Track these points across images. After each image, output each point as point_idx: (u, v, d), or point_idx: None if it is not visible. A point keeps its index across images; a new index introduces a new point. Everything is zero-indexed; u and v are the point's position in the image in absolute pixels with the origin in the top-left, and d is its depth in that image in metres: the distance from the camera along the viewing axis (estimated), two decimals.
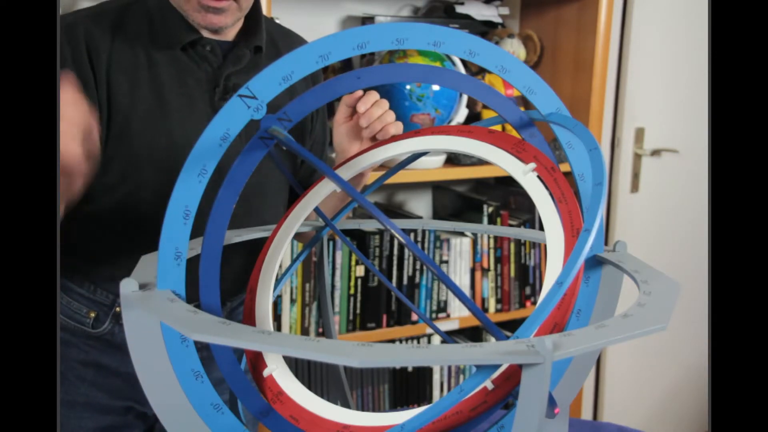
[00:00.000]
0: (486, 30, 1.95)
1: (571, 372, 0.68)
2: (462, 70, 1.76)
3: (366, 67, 0.77)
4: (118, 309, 1.10)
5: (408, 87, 1.65)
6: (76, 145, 0.69)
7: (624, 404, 2.47)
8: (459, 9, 1.88)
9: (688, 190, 2.39)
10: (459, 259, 1.92)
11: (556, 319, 0.60)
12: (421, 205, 2.13)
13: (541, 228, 0.68)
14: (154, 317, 0.62)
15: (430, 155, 1.62)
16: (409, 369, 1.97)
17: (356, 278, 1.80)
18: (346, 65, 1.80)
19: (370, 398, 1.94)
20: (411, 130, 0.81)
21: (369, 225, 1.01)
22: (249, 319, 0.72)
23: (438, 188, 2.12)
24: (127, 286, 0.62)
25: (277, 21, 1.25)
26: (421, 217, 2.03)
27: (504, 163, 0.72)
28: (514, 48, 1.95)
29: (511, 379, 0.57)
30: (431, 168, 1.79)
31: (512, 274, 1.98)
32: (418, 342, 1.93)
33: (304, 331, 1.79)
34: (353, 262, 1.79)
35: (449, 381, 2.02)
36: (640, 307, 0.55)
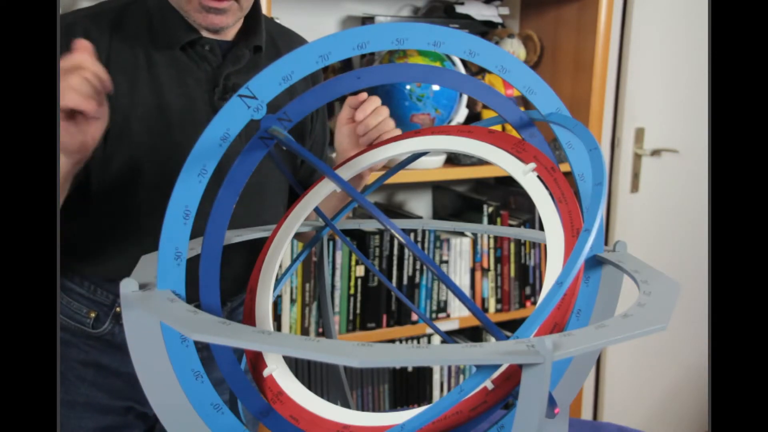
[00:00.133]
0: (486, 30, 1.95)
1: (571, 372, 0.68)
2: (462, 70, 1.76)
3: (366, 67, 0.77)
4: (118, 309, 1.10)
5: (408, 87, 1.65)
6: (88, 87, 0.76)
7: (624, 404, 2.47)
8: (459, 9, 1.88)
9: (688, 190, 2.39)
10: (459, 259, 1.92)
11: (556, 319, 0.60)
12: (421, 205, 2.13)
13: (541, 228, 0.68)
14: (154, 317, 0.62)
15: (430, 155, 1.62)
16: (409, 369, 1.97)
17: (356, 278, 1.80)
18: (346, 65, 1.80)
19: (370, 398, 1.94)
20: (411, 130, 0.81)
21: (369, 225, 1.01)
22: (249, 319, 0.72)
23: (438, 188, 2.12)
24: (127, 286, 0.62)
25: (277, 21, 1.25)
26: (421, 217, 2.03)
27: (504, 163, 0.72)
28: (514, 48, 1.95)
29: (511, 379, 0.57)
30: (431, 168, 1.79)
31: (512, 274, 1.98)
32: (418, 342, 1.93)
33: (304, 331, 1.79)
34: (353, 262, 1.79)
35: (449, 381, 2.02)
36: (640, 307, 0.55)
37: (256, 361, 0.68)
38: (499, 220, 1.95)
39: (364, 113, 1.02)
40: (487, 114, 1.86)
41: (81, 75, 0.76)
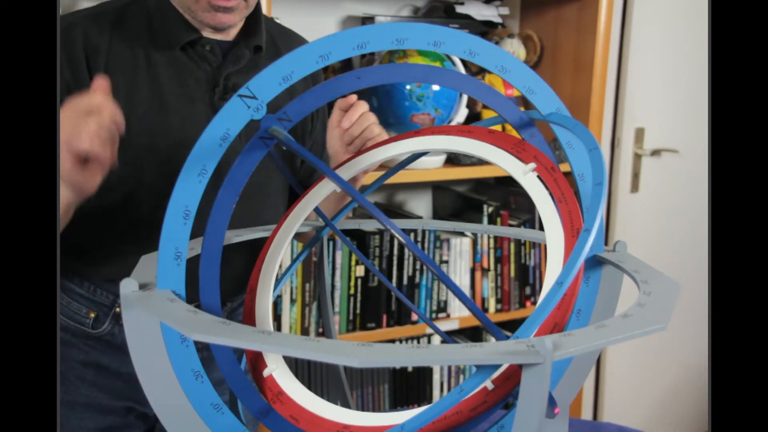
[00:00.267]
0: (486, 30, 1.95)
1: (571, 372, 0.68)
2: (462, 70, 1.76)
3: (366, 67, 0.77)
4: (118, 309, 1.10)
5: (408, 87, 1.65)
6: (106, 133, 0.76)
7: (624, 404, 2.47)
8: (459, 9, 1.88)
9: (688, 190, 2.39)
10: (459, 259, 1.92)
11: (556, 319, 0.60)
12: (421, 205, 2.13)
13: (541, 228, 0.68)
14: (154, 317, 0.62)
15: (430, 155, 1.62)
16: (409, 369, 1.97)
17: (356, 278, 1.80)
18: (346, 65, 1.80)
19: (370, 398, 1.94)
20: (411, 130, 0.81)
21: (369, 225, 1.01)
22: (249, 319, 0.72)
23: (438, 188, 2.12)
24: (127, 286, 0.62)
25: (277, 21, 1.25)
26: (421, 217, 2.03)
27: (504, 163, 0.72)
28: (514, 48, 1.95)
29: (511, 379, 0.57)
30: (431, 168, 1.79)
31: (512, 274, 1.98)
32: (418, 342, 1.93)
33: (304, 331, 1.79)
34: (353, 262, 1.79)
35: (449, 381, 2.02)
36: (640, 307, 0.55)
37: (256, 361, 0.68)
38: (499, 220, 1.95)
39: (350, 121, 1.02)
40: (487, 114, 1.86)
41: (98, 120, 0.76)
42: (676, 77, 2.29)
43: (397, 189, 2.09)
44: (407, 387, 1.98)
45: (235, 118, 0.67)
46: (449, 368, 2.01)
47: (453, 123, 1.73)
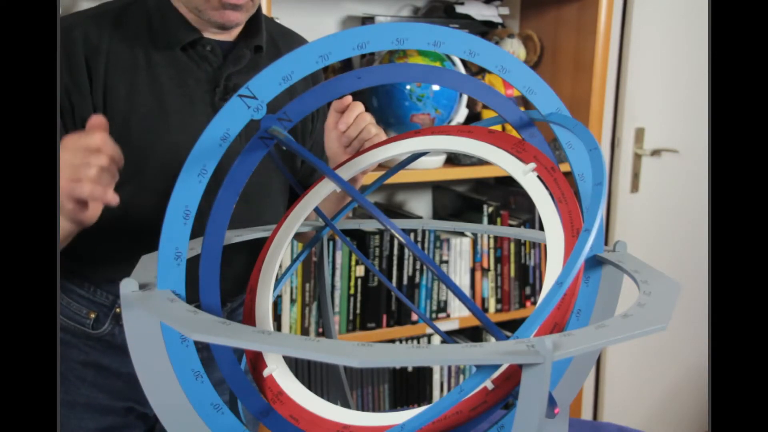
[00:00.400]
0: (486, 30, 1.95)
1: (571, 372, 0.68)
2: (462, 70, 1.76)
3: (366, 67, 0.77)
4: (117, 310, 1.10)
5: (408, 87, 1.65)
6: (107, 176, 0.77)
7: (624, 404, 2.47)
8: (459, 9, 1.88)
9: (688, 190, 2.39)
10: (459, 259, 1.92)
11: (556, 319, 0.60)
12: (421, 205, 2.13)
13: (541, 228, 0.68)
14: (154, 317, 0.62)
15: (430, 155, 1.62)
16: (409, 369, 1.97)
17: (356, 278, 1.80)
18: (346, 65, 1.80)
19: (370, 398, 1.95)
20: (411, 130, 0.81)
21: (369, 225, 1.01)
22: (249, 319, 0.72)
23: (438, 188, 2.12)
24: (127, 286, 0.62)
25: (277, 21, 1.25)
26: (421, 217, 2.03)
27: (504, 163, 0.72)
28: (514, 48, 1.95)
29: (511, 379, 0.57)
30: (431, 168, 1.79)
31: (512, 274, 1.98)
32: (418, 342, 1.93)
33: (304, 331, 1.79)
34: (353, 262, 1.79)
35: (449, 381, 2.02)
36: (640, 307, 0.55)
37: (256, 361, 0.68)
38: (499, 220, 1.95)
39: (346, 124, 1.02)
40: (487, 114, 1.86)
41: (99, 162, 0.76)
42: (676, 77, 2.29)
43: (397, 189, 2.09)
44: (407, 387, 1.98)
45: (235, 118, 0.67)
46: (449, 368, 2.01)
47: (453, 123, 1.73)
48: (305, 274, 1.77)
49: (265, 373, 0.67)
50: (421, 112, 1.67)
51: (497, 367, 0.53)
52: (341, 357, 0.46)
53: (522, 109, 0.76)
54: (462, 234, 1.93)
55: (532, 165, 0.70)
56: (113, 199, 0.78)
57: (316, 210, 0.84)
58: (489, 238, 1.95)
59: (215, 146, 0.66)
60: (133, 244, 0.85)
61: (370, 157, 0.84)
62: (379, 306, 1.83)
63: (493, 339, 1.21)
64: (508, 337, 0.54)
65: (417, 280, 1.86)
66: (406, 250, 1.82)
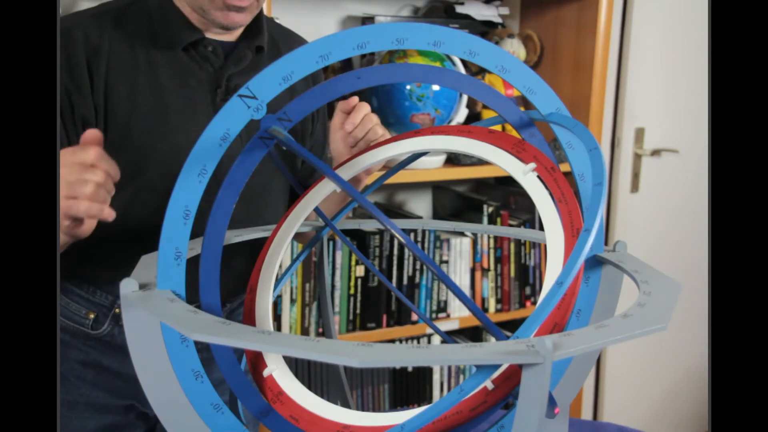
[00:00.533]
0: (486, 30, 1.95)
1: (571, 372, 0.68)
2: (462, 70, 1.76)
3: (366, 67, 0.77)
4: (117, 310, 1.10)
5: (408, 87, 1.65)
6: (103, 193, 0.77)
7: (624, 404, 2.47)
8: (459, 9, 1.88)
9: (688, 190, 2.39)
10: (459, 259, 1.93)
11: (556, 319, 0.60)
12: (421, 205, 2.13)
13: (541, 228, 0.68)
14: (154, 317, 0.62)
15: (430, 155, 1.62)
16: (409, 369, 1.97)
17: (356, 278, 1.80)
18: (346, 65, 1.80)
19: (370, 398, 1.94)
20: (411, 130, 0.81)
21: (369, 225, 1.01)
22: (249, 319, 0.72)
23: (438, 188, 2.12)
24: (127, 286, 0.62)
25: (277, 21, 1.25)
26: (421, 217, 2.03)
27: (504, 163, 0.72)
28: (514, 48, 1.95)
29: (511, 379, 0.57)
30: (431, 168, 1.79)
31: (512, 274, 1.98)
32: (418, 342, 1.93)
33: (304, 331, 1.79)
34: (353, 262, 1.79)
35: (449, 381, 2.02)
36: (640, 307, 0.55)
37: (256, 361, 0.68)
38: (499, 220, 1.95)
39: (353, 124, 1.02)
40: (487, 114, 1.86)
41: (95, 179, 0.76)
42: (676, 77, 2.29)
43: (397, 189, 2.09)
44: (407, 387, 1.98)
45: (235, 118, 0.67)
46: (449, 368, 2.01)
47: (453, 123, 1.73)
48: (305, 274, 1.77)
49: (265, 373, 0.67)
50: (421, 112, 1.67)
51: (497, 367, 0.53)
52: (341, 357, 0.46)
53: (522, 109, 0.76)
54: (462, 234, 1.93)
55: (532, 165, 0.70)
56: (109, 215, 0.78)
57: (316, 210, 0.84)
58: (489, 238, 1.95)
59: (215, 146, 0.66)
60: (133, 244, 0.85)
61: (370, 157, 0.84)
62: (379, 306, 1.83)
63: (493, 339, 1.21)
64: (508, 337, 0.54)
65: (417, 280, 1.86)
66: (406, 250, 1.82)
